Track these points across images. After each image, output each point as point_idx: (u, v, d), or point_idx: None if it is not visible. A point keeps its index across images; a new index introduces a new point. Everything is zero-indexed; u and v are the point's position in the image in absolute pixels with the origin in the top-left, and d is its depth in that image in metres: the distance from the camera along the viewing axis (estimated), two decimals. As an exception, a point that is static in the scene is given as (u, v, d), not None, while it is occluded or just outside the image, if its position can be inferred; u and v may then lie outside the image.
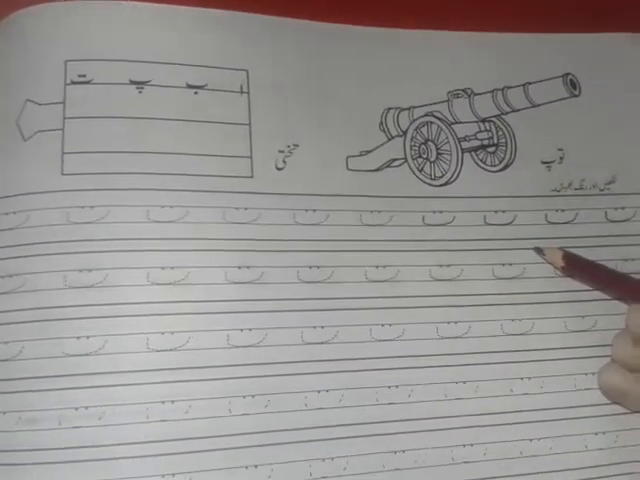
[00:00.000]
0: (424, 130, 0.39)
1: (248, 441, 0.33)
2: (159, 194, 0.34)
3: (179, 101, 0.36)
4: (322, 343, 0.35)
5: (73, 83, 0.35)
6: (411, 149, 0.39)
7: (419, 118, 0.39)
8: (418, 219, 0.38)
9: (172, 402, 0.32)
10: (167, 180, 0.35)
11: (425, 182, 0.38)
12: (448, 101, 0.40)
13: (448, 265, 0.37)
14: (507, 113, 0.40)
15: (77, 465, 0.31)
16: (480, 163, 0.39)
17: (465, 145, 0.39)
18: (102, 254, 0.33)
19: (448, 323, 0.36)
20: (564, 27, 0.42)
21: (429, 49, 0.41)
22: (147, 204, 0.34)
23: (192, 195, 0.35)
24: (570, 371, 0.37)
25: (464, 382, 0.36)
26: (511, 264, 0.38)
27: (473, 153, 0.40)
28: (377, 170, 0.38)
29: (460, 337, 0.36)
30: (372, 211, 0.37)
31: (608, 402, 0.36)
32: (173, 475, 0.31)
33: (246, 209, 0.35)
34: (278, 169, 0.37)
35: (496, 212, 0.39)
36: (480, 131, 0.40)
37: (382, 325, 0.36)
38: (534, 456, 0.35)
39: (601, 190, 0.40)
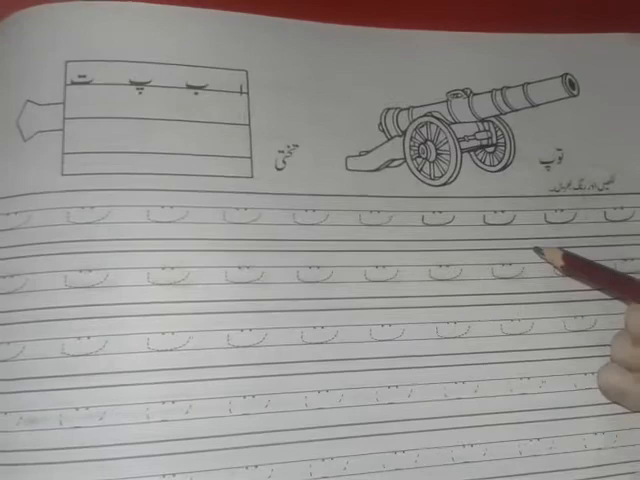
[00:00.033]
0: (423, 130, 0.39)
1: (248, 441, 0.33)
2: (159, 194, 0.34)
3: (179, 102, 0.36)
4: (322, 343, 0.35)
5: (73, 83, 0.35)
6: (410, 149, 0.39)
7: (418, 118, 0.39)
8: (417, 219, 0.38)
9: (172, 402, 0.32)
10: (167, 180, 0.35)
11: (424, 182, 0.38)
12: (447, 101, 0.40)
13: (447, 265, 0.37)
14: (506, 113, 0.40)
15: (78, 465, 0.31)
16: (479, 163, 0.39)
17: (464, 145, 0.40)
18: (103, 254, 0.33)
19: (448, 323, 0.36)
20: (563, 27, 0.42)
21: (428, 49, 0.41)
22: (147, 204, 0.34)
23: (192, 195, 0.35)
24: (569, 371, 0.37)
25: (464, 382, 0.36)
26: (510, 264, 0.38)
27: (472, 153, 0.40)
28: (376, 170, 0.38)
29: (460, 337, 0.36)
30: (371, 211, 0.37)
31: (607, 402, 0.36)
32: (174, 475, 0.31)
33: (246, 209, 0.35)
34: (278, 169, 0.37)
35: (495, 212, 0.39)
36: (479, 131, 0.40)
37: (382, 325, 0.36)
38: (534, 456, 0.35)
39: (600, 190, 0.40)
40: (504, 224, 0.39)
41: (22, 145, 0.34)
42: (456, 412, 0.35)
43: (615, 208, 0.40)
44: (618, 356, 0.36)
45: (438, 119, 0.40)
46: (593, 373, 0.37)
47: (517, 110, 0.40)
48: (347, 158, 0.38)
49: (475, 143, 0.40)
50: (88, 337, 0.32)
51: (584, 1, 0.44)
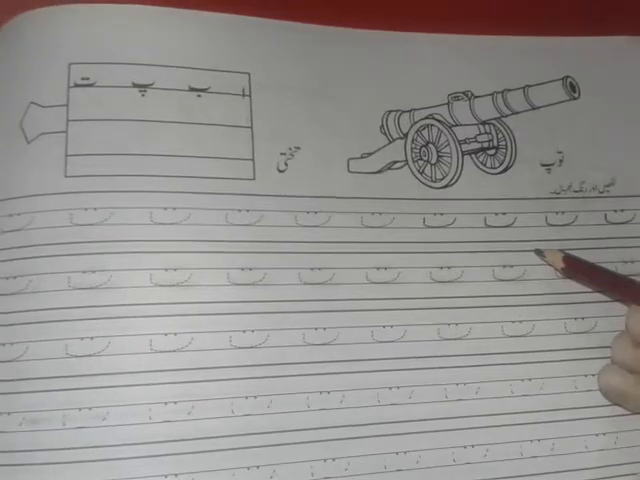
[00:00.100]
0: (425, 132, 0.39)
1: (250, 442, 0.33)
2: (162, 196, 0.34)
3: (182, 104, 0.36)
4: (324, 344, 0.35)
5: (77, 86, 0.35)
6: (412, 151, 0.39)
7: (420, 120, 0.39)
8: (419, 221, 0.38)
9: (175, 403, 0.32)
10: (170, 182, 0.35)
11: (426, 184, 0.39)
12: (448, 104, 0.40)
13: (449, 267, 0.37)
14: (507, 116, 0.41)
15: (81, 465, 0.31)
16: (480, 165, 0.40)
17: (465, 147, 0.40)
18: (106, 256, 0.33)
19: (449, 325, 0.36)
20: (563, 30, 0.42)
21: (430, 52, 0.41)
22: (150, 206, 0.34)
23: (195, 197, 0.35)
24: (570, 372, 0.37)
25: (465, 383, 0.36)
26: (511, 266, 0.38)
27: (473, 155, 0.40)
28: (378, 172, 0.38)
29: (461, 338, 0.36)
30: (373, 213, 0.37)
31: (608, 403, 0.37)
32: (176, 475, 0.32)
33: (248, 211, 0.36)
34: (280, 171, 0.37)
35: (496, 214, 0.39)
36: (480, 134, 0.40)
37: (383, 327, 0.36)
38: (535, 457, 0.35)
39: (600, 192, 0.40)
40: (505, 226, 0.39)
41: (25, 147, 0.34)
42: (457, 413, 0.35)
43: (616, 211, 0.40)
44: (619, 358, 0.36)
45: (439, 121, 0.40)
46: (594, 375, 0.37)
47: (518, 113, 0.41)
48: (349, 160, 0.38)
49: (476, 145, 0.40)
50: (91, 338, 0.32)
51: (585, 4, 0.44)
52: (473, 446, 0.35)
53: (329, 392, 0.34)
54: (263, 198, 0.36)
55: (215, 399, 0.33)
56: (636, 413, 0.37)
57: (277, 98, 0.38)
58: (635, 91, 0.42)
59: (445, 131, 0.39)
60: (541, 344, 0.37)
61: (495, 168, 0.40)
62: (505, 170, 0.40)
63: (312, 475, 0.33)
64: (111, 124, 0.35)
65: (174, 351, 0.33)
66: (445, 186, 0.39)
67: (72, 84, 0.35)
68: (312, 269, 0.36)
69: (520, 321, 0.37)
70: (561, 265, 0.38)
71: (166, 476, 0.31)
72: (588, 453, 0.36)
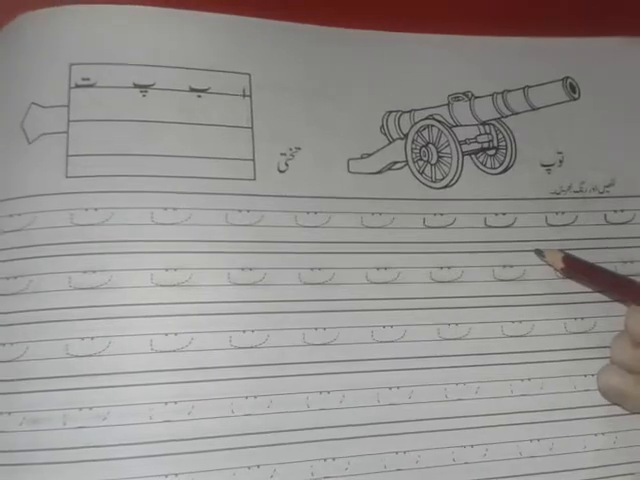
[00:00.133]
0: (425, 133, 0.40)
1: (250, 441, 0.33)
2: (163, 196, 0.35)
3: (182, 104, 0.36)
4: (324, 344, 0.35)
5: (77, 86, 0.35)
6: (412, 152, 0.39)
7: (420, 121, 0.39)
8: (419, 221, 0.38)
9: (175, 403, 0.32)
10: (170, 183, 0.35)
11: (426, 185, 0.39)
12: (449, 104, 0.40)
13: (449, 267, 0.37)
14: (507, 116, 0.41)
15: (81, 465, 0.31)
16: (480, 166, 0.40)
17: (465, 148, 0.40)
18: (106, 256, 0.33)
19: (449, 325, 0.36)
20: (563, 31, 0.42)
21: (430, 52, 0.41)
22: (151, 206, 0.34)
23: (195, 197, 0.35)
24: (570, 372, 0.37)
25: (465, 383, 0.36)
26: (511, 266, 0.38)
27: (473, 156, 0.40)
28: (378, 173, 0.38)
29: (461, 338, 0.36)
30: (373, 213, 0.37)
31: (607, 403, 0.37)
32: (176, 475, 0.32)
33: (248, 211, 0.36)
34: (280, 172, 0.37)
35: (496, 214, 0.39)
36: (480, 134, 0.40)
37: (383, 327, 0.36)
38: (534, 457, 0.35)
39: (600, 193, 0.40)
40: (505, 226, 0.39)
41: (26, 147, 0.34)
42: (457, 413, 0.35)
43: (615, 211, 0.40)
44: (618, 358, 0.36)
45: (440, 122, 0.40)
46: (593, 375, 0.37)
47: (518, 113, 0.41)
48: (349, 161, 0.38)
49: (476, 146, 0.40)
50: (92, 338, 0.32)
51: (584, 5, 0.44)
52: (472, 446, 0.35)
53: (329, 392, 0.34)
54: (263, 198, 0.36)
55: (215, 399, 0.33)
56: (635, 413, 0.37)
57: (277, 98, 0.38)
58: (635, 92, 0.42)
59: (445, 131, 0.40)
60: (541, 344, 0.37)
61: (495, 168, 0.40)
62: (505, 170, 0.40)
63: (312, 475, 0.33)
64: (112, 124, 0.35)
65: (174, 351, 0.33)
66: (445, 186, 0.39)
67: (73, 85, 0.35)
68: (312, 269, 0.36)
69: (520, 321, 0.37)
70: (561, 265, 0.38)
71: (166, 476, 0.32)
72: (587, 453, 0.36)
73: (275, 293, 0.35)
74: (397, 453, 0.34)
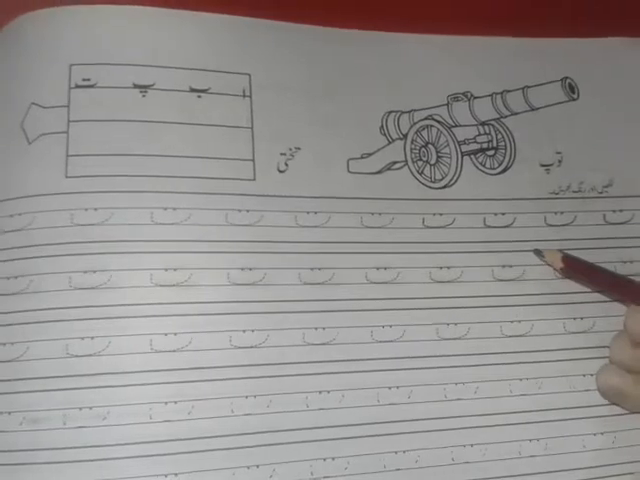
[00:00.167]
0: (424, 133, 0.40)
1: (250, 441, 0.33)
2: (162, 196, 0.35)
3: (182, 105, 0.36)
4: (323, 344, 0.35)
5: (77, 87, 0.35)
6: (411, 152, 0.39)
7: (419, 121, 0.40)
8: (418, 221, 0.38)
9: (175, 402, 0.32)
10: (170, 183, 0.35)
11: (425, 185, 0.39)
12: (448, 104, 0.40)
13: (448, 267, 0.37)
14: (506, 116, 0.41)
15: (81, 465, 0.31)
16: (479, 166, 0.40)
17: (465, 148, 0.40)
18: (106, 256, 0.33)
19: (448, 325, 0.37)
20: (563, 32, 0.43)
21: (429, 53, 0.41)
22: (150, 206, 0.34)
23: (195, 197, 0.35)
24: (569, 372, 0.37)
25: (464, 383, 0.36)
26: (511, 266, 0.38)
27: (473, 156, 0.40)
28: (378, 173, 0.38)
29: (460, 338, 0.36)
30: (373, 213, 0.37)
31: (606, 403, 0.37)
32: (176, 475, 0.32)
33: (248, 211, 0.36)
34: (280, 172, 0.37)
35: (496, 214, 0.39)
36: (480, 134, 0.40)
37: (383, 326, 0.36)
38: (533, 456, 0.35)
39: (599, 193, 0.40)
40: (504, 226, 0.39)
41: (26, 147, 0.34)
42: (456, 413, 0.35)
43: (614, 211, 0.40)
44: (617, 357, 0.36)
45: (439, 122, 0.40)
46: (592, 374, 0.37)
47: (517, 113, 0.41)
48: (349, 161, 0.38)
49: (475, 146, 0.40)
50: (92, 338, 0.32)
51: (584, 5, 0.44)
52: (472, 445, 0.35)
53: (328, 392, 0.34)
54: (263, 198, 0.36)
55: (215, 399, 0.33)
56: (634, 412, 0.37)
57: (277, 99, 0.38)
58: (634, 92, 0.42)
59: (445, 132, 0.40)
60: (540, 344, 0.37)
61: (494, 168, 0.40)
62: (504, 170, 0.40)
63: (312, 474, 0.33)
64: (112, 125, 0.35)
65: (174, 351, 0.33)
66: (444, 186, 0.39)
67: (73, 85, 0.35)
68: (312, 269, 0.36)
69: (519, 321, 0.37)
70: (560, 265, 0.38)
71: (166, 475, 0.32)
72: (586, 452, 0.36)
73: (275, 293, 0.35)
74: (396, 453, 0.34)
